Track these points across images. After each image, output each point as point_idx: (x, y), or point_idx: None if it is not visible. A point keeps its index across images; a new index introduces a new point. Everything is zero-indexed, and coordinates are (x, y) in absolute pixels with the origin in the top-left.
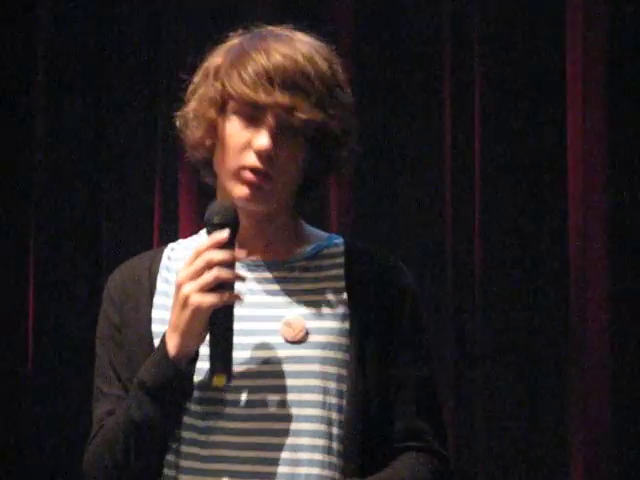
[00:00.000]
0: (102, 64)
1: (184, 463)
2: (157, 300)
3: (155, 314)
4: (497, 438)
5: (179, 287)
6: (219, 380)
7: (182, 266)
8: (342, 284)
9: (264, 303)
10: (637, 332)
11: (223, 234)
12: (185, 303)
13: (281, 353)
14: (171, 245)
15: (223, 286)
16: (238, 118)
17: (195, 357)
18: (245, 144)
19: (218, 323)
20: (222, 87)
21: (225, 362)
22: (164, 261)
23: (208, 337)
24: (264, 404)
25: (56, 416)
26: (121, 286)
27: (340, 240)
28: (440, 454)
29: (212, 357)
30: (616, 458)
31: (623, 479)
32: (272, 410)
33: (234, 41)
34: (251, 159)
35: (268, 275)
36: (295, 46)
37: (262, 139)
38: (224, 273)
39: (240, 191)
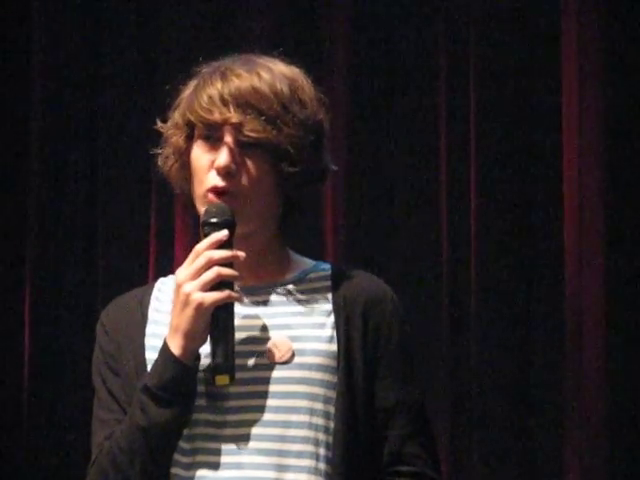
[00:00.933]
0: (98, 79)
1: None
2: (149, 329)
3: (148, 342)
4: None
5: (179, 287)
6: (222, 379)
7: (172, 297)
8: (329, 307)
9: (250, 326)
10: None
11: (222, 233)
12: (187, 302)
13: (268, 374)
14: (162, 279)
15: (224, 284)
16: (202, 142)
17: (198, 357)
18: (208, 166)
19: (219, 322)
20: (184, 114)
21: (227, 361)
22: (155, 292)
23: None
24: (251, 424)
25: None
26: (114, 318)
27: (327, 266)
28: (432, 478)
29: (214, 356)
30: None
31: None
32: (259, 430)
33: (200, 73)
34: (213, 179)
35: (255, 299)
36: (254, 68)
37: (220, 157)
38: (225, 271)
39: (208, 200)
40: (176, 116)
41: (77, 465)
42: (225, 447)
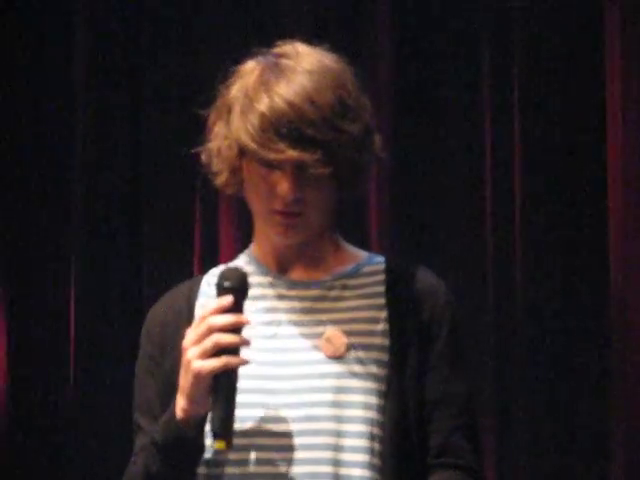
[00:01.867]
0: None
1: None
2: None
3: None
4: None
5: (184, 351)
6: (219, 445)
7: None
8: (382, 301)
9: (304, 321)
10: None
11: (227, 299)
12: (187, 368)
13: (322, 369)
14: (212, 271)
15: (227, 351)
16: (258, 165)
17: (203, 421)
18: (271, 189)
19: (220, 387)
20: (235, 136)
21: (225, 427)
22: (203, 287)
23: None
24: (305, 419)
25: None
26: (160, 317)
27: (381, 259)
28: (475, 472)
29: (213, 421)
30: None
31: None
32: (313, 426)
33: (245, 72)
34: (279, 205)
35: (309, 293)
36: (299, 83)
37: (284, 188)
38: (224, 339)
39: (274, 231)
40: (226, 129)
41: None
42: (280, 443)
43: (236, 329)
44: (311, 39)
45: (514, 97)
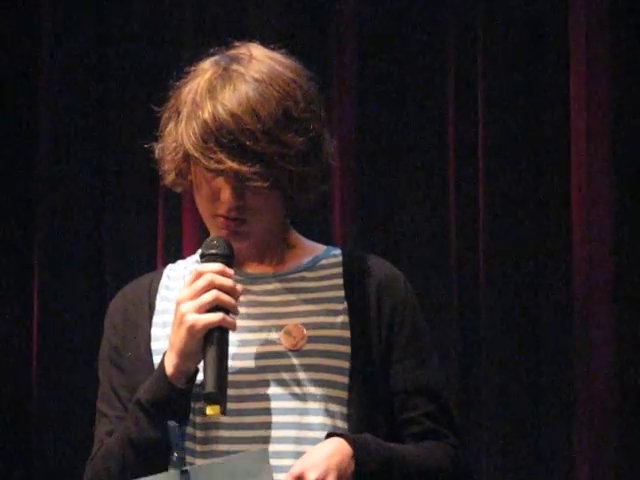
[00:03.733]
0: (105, 80)
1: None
2: (156, 319)
3: (154, 332)
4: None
5: (178, 305)
6: (213, 410)
7: (181, 284)
8: (341, 293)
9: (264, 314)
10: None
11: (228, 269)
12: (181, 321)
13: (282, 362)
14: (170, 266)
15: (220, 309)
16: (201, 170)
17: (193, 376)
18: (214, 194)
19: (212, 347)
20: (182, 145)
21: (218, 391)
22: (164, 280)
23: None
24: (266, 412)
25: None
26: (122, 308)
27: (338, 251)
28: (457, 446)
29: (204, 385)
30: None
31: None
32: (274, 419)
33: (198, 74)
34: (222, 210)
35: (267, 287)
36: (244, 93)
37: (225, 195)
38: (224, 297)
39: (218, 234)
40: (174, 134)
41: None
42: (241, 435)
43: (229, 293)
44: (274, 39)
45: (477, 89)
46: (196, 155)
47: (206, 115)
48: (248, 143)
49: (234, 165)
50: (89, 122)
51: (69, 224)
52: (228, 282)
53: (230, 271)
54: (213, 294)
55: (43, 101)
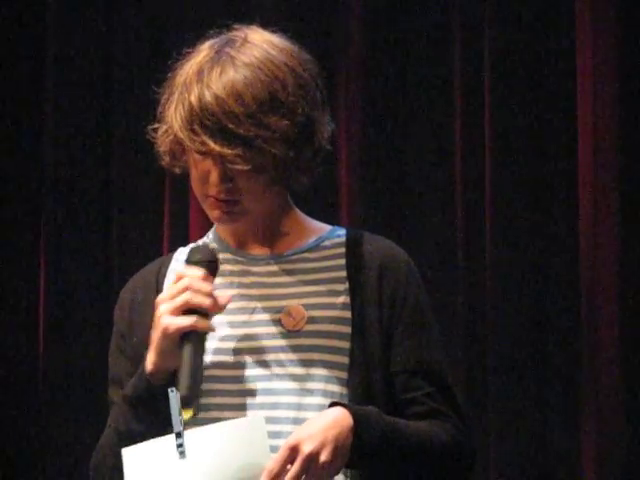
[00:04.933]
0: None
1: None
2: None
3: None
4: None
5: (157, 305)
6: (186, 413)
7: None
8: (343, 273)
9: (265, 295)
10: None
11: (199, 271)
12: (157, 323)
13: (283, 342)
14: (180, 249)
15: (197, 313)
16: (191, 151)
17: (172, 374)
18: (205, 175)
19: (187, 348)
20: (172, 128)
21: (188, 395)
22: (173, 264)
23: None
24: (266, 392)
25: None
26: (130, 295)
27: (343, 231)
28: (459, 426)
29: (179, 387)
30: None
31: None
32: (274, 399)
33: (191, 59)
34: (212, 191)
35: (268, 268)
36: (230, 77)
37: (213, 177)
38: (196, 299)
39: (212, 214)
40: (166, 115)
41: None
42: (239, 416)
43: (208, 296)
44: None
45: (484, 87)
46: (182, 137)
47: (192, 98)
48: (231, 126)
49: (216, 147)
50: (95, 111)
51: (77, 214)
52: (205, 287)
53: (210, 278)
54: (184, 298)
55: (47, 100)
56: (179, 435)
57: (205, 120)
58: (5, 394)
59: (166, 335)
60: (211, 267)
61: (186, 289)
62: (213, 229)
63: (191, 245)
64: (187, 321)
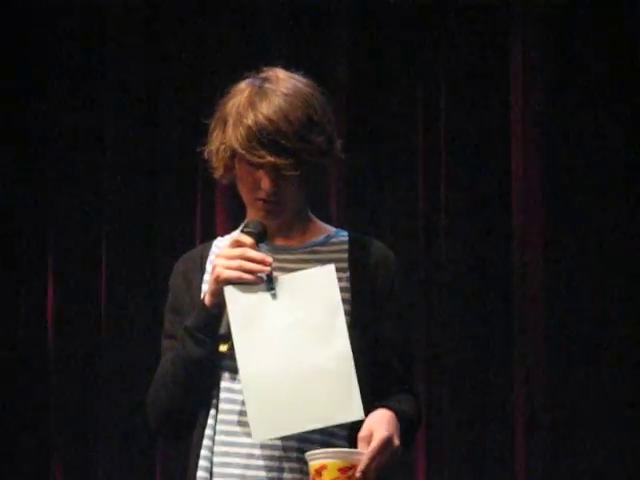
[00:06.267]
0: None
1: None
2: (206, 278)
3: (204, 288)
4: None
5: (216, 257)
6: (223, 347)
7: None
8: (345, 265)
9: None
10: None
11: (250, 239)
12: (213, 269)
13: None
14: (219, 238)
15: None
16: (245, 164)
17: (220, 310)
18: (255, 183)
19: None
20: (229, 142)
21: (228, 333)
22: (213, 249)
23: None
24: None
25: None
26: (182, 270)
27: (345, 233)
28: (417, 396)
29: (222, 326)
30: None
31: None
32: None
33: (238, 91)
34: (261, 195)
35: (290, 257)
36: (276, 103)
37: (265, 184)
38: (246, 265)
39: (259, 214)
40: (222, 135)
41: None
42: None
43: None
44: (288, 64)
45: (441, 99)
46: (242, 152)
47: (249, 122)
48: (283, 142)
49: (272, 159)
50: (141, 126)
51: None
52: (255, 255)
53: (255, 247)
54: (238, 263)
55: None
56: (270, 279)
57: (262, 138)
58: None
59: (218, 281)
60: (259, 237)
61: (240, 256)
62: (244, 223)
63: (226, 236)
64: (236, 274)
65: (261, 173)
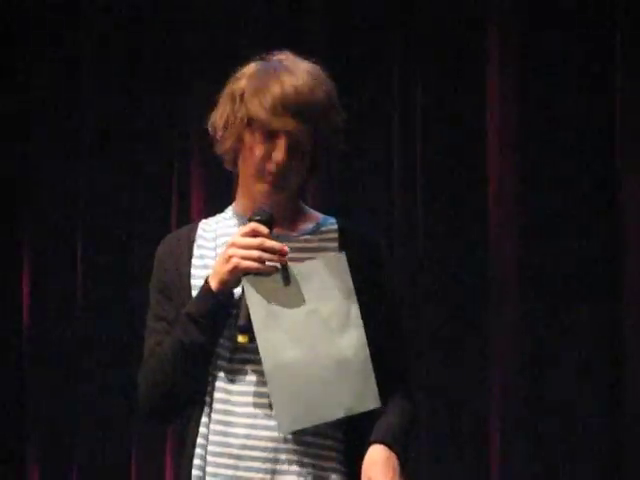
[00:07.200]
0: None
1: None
2: (195, 261)
3: (193, 271)
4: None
5: (229, 246)
6: (243, 338)
7: (213, 236)
8: (336, 250)
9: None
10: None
11: (265, 229)
12: (228, 260)
13: None
14: (204, 220)
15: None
16: (260, 134)
17: (230, 298)
18: (266, 154)
19: (248, 286)
20: (247, 110)
21: (247, 324)
22: (199, 232)
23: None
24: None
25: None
26: (168, 250)
27: (333, 220)
28: (412, 396)
29: (240, 318)
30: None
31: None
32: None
33: (252, 69)
34: (272, 167)
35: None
36: (301, 77)
37: (279, 154)
38: (266, 255)
39: (262, 187)
40: (237, 106)
41: None
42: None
43: (271, 251)
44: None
45: (417, 97)
46: (265, 118)
47: (276, 89)
48: (307, 111)
49: (294, 125)
50: (122, 110)
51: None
52: (274, 245)
53: (270, 236)
54: (259, 254)
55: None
56: (285, 268)
57: (287, 105)
58: None
59: (234, 271)
60: (270, 226)
61: (258, 247)
62: (231, 207)
63: (210, 219)
64: (254, 265)
65: (276, 143)
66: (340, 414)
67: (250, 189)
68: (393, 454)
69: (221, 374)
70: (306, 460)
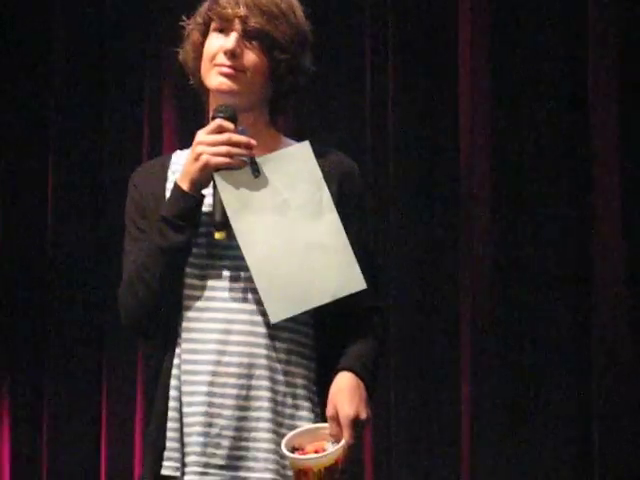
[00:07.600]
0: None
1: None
2: (169, 185)
3: (168, 195)
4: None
5: (196, 144)
6: (220, 235)
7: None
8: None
9: None
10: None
11: (229, 124)
12: (198, 158)
13: None
14: (178, 152)
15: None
16: (215, 34)
17: (202, 196)
18: (218, 49)
19: (221, 182)
20: (204, 13)
21: (225, 219)
22: (173, 159)
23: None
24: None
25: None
26: (143, 177)
27: (307, 143)
28: (381, 311)
29: (214, 215)
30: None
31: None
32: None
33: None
34: (222, 58)
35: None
36: None
37: (228, 42)
38: (234, 150)
39: (216, 80)
40: (197, 18)
41: None
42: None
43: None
44: None
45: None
46: (217, 9)
47: None
48: (259, 4)
49: (245, 11)
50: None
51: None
52: (241, 139)
53: (236, 131)
54: (228, 149)
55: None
56: (253, 161)
57: (241, 0)
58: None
59: (205, 168)
60: (233, 121)
61: (226, 142)
62: (215, 109)
63: (185, 150)
64: (225, 160)
65: (227, 38)
66: (327, 298)
67: (210, 88)
68: (361, 382)
69: (195, 271)
70: (279, 377)
